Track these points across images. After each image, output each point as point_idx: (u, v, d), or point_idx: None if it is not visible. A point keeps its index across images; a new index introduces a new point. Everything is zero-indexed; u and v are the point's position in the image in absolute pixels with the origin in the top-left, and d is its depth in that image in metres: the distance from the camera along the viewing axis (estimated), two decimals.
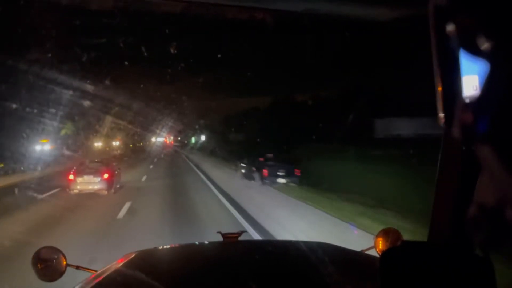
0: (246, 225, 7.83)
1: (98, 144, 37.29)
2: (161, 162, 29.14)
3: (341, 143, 17.89)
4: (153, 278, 1.35)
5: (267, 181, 14.39)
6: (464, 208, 0.67)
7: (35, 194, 12.22)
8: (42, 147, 24.90)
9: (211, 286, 1.36)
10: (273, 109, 32.57)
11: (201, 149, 40.92)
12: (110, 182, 12.70)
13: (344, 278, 1.33)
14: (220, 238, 1.94)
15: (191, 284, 1.38)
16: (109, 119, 28.92)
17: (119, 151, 42.05)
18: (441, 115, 0.58)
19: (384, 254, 0.82)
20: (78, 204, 10.83)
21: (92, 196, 12.15)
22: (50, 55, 14.84)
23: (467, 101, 0.52)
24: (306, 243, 1.76)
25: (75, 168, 13.10)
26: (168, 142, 58.15)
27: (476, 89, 0.55)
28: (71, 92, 18.16)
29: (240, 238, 1.95)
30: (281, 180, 14.35)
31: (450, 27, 0.49)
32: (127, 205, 10.06)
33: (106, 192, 12.48)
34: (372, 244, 1.77)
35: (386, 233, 1.76)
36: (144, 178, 17.34)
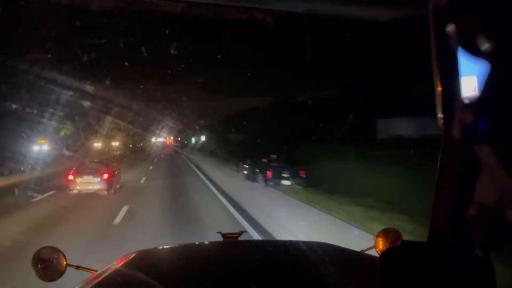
0: (253, 233, 7.39)
1: (97, 145, 37.24)
2: (161, 163, 29.06)
3: (341, 143, 17.84)
4: (153, 278, 1.36)
5: (271, 183, 14.01)
6: (464, 208, 0.67)
7: (29, 196, 11.88)
8: (40, 147, 24.73)
9: (211, 286, 1.36)
10: (273, 109, 32.55)
11: (201, 150, 40.91)
12: (110, 183, 12.68)
13: (344, 278, 1.33)
14: (220, 238, 1.94)
15: (191, 284, 1.38)
16: (109, 119, 28.93)
17: (118, 152, 42.05)
18: (441, 115, 0.58)
19: (384, 254, 0.82)
20: (74, 207, 10.46)
21: (89, 198, 11.84)
22: (50, 55, 14.87)
23: (467, 101, 0.52)
24: (306, 243, 1.76)
25: (74, 168, 13.07)
26: (168, 142, 58.16)
27: (475, 90, 0.55)
28: (71, 93, 18.19)
29: (240, 238, 1.95)
30: (286, 182, 13.98)
31: (450, 27, 0.49)
32: (124, 209, 9.70)
33: (106, 193, 12.45)
34: (372, 244, 1.77)
35: (386, 233, 1.76)
36: (143, 179, 17.02)
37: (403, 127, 18.06)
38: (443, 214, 1.02)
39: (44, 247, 1.75)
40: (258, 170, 15.20)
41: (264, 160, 15.58)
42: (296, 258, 1.62)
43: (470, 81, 0.56)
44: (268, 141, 22.94)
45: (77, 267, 1.73)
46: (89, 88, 18.35)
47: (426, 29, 0.57)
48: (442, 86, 0.57)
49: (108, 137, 39.60)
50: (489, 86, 0.46)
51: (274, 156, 15.80)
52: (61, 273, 1.70)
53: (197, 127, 41.06)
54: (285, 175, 14.09)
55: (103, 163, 14.40)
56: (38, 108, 18.87)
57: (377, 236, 1.77)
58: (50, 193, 12.87)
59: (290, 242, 2.27)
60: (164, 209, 10.19)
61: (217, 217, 9.02)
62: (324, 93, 30.06)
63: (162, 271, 1.57)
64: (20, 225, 8.11)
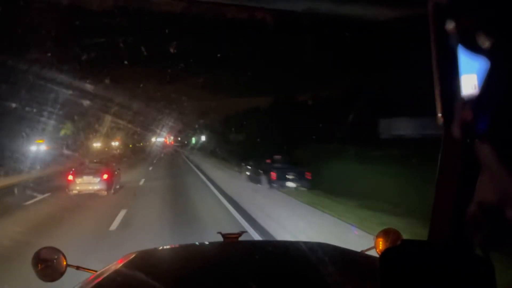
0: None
1: (96, 145, 37.21)
2: (161, 163, 28.97)
3: (341, 143, 17.81)
4: (153, 278, 1.35)
5: (275, 185, 13.47)
6: (464, 208, 0.67)
7: (22, 199, 11.32)
8: (38, 147, 24.48)
9: (211, 286, 1.36)
10: (273, 109, 32.58)
11: (201, 149, 40.88)
12: (109, 183, 12.65)
13: (344, 278, 1.33)
14: (220, 239, 1.94)
15: (191, 284, 1.38)
16: (108, 119, 28.91)
17: (118, 151, 42.06)
18: (440, 114, 0.58)
19: (384, 253, 0.82)
20: (68, 211, 9.92)
21: (85, 201, 11.41)
22: (50, 55, 14.87)
23: (467, 100, 0.52)
24: (306, 243, 1.76)
25: (73, 169, 13.04)
26: (168, 142, 58.20)
27: (476, 88, 0.55)
28: (70, 92, 18.19)
29: (240, 239, 1.94)
30: (291, 184, 13.44)
31: (450, 26, 0.49)
32: (122, 213, 9.20)
33: (105, 193, 12.43)
34: (372, 245, 1.77)
35: (386, 233, 1.76)
36: (142, 181, 16.47)
37: (404, 127, 18.02)
38: (443, 214, 1.02)
39: (44, 248, 1.75)
40: (261, 171, 14.65)
41: (268, 160, 15.06)
42: (296, 258, 1.62)
43: (470, 79, 0.56)
44: (268, 141, 22.93)
45: (77, 268, 1.73)
46: (89, 87, 18.34)
47: (426, 28, 0.57)
48: (441, 85, 0.57)
49: (108, 137, 39.64)
50: (489, 84, 0.46)
51: (278, 157, 15.30)
52: (61, 274, 1.70)
53: (197, 127, 41.11)
54: (290, 177, 13.56)
55: (103, 163, 14.37)
56: (37, 107, 18.84)
57: (377, 236, 1.77)
58: (45, 195, 12.31)
59: (290, 242, 2.27)
60: (163, 213, 9.74)
61: (223, 224, 8.34)
62: (324, 93, 30.07)
63: (162, 271, 1.57)
64: (3, 234, 7.29)
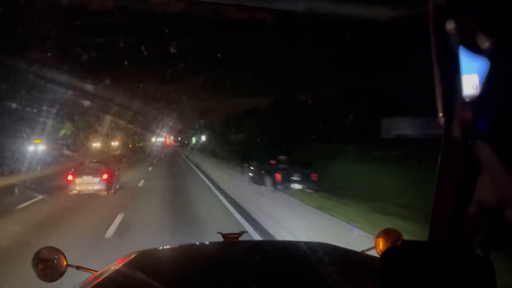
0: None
1: (96, 145, 37.15)
2: (161, 163, 28.86)
3: (342, 143, 17.79)
4: (153, 278, 1.35)
5: (279, 187, 12.91)
6: (464, 208, 0.67)
7: (14, 202, 10.88)
8: (36, 147, 24.29)
9: (211, 286, 1.36)
10: (273, 109, 32.64)
11: (201, 149, 40.87)
12: (109, 183, 12.61)
13: (344, 278, 1.33)
14: (220, 239, 1.94)
15: (191, 284, 1.38)
16: (108, 119, 28.92)
17: (118, 151, 42.05)
18: (441, 114, 0.58)
19: (384, 254, 0.82)
20: (62, 216, 9.39)
21: (81, 204, 10.99)
22: (50, 55, 14.88)
23: (467, 100, 0.52)
24: (306, 243, 1.76)
25: (73, 169, 13.01)
26: (168, 142, 58.27)
27: (476, 88, 0.55)
28: (70, 92, 18.20)
29: (240, 239, 1.94)
30: (296, 186, 12.85)
31: (450, 26, 0.49)
32: (118, 218, 8.68)
33: (105, 193, 12.40)
34: (373, 245, 1.77)
35: (386, 233, 1.76)
36: (141, 182, 16.01)
37: (406, 127, 17.98)
38: (443, 214, 1.01)
39: (44, 248, 1.75)
40: (265, 172, 14.09)
41: (272, 161, 14.56)
42: (296, 258, 1.62)
43: (471, 79, 0.56)
44: (268, 141, 22.92)
45: (78, 268, 1.73)
46: (89, 87, 18.35)
47: (426, 28, 0.57)
48: (442, 85, 0.57)
49: (108, 137, 39.66)
50: (490, 85, 0.46)
51: (283, 157, 14.77)
52: (61, 274, 1.69)
53: (197, 127, 41.17)
54: (295, 178, 12.95)
55: (102, 163, 14.35)
56: (37, 107, 18.84)
57: (377, 237, 1.77)
58: (39, 198, 11.78)
59: (290, 242, 2.26)
60: (163, 218, 9.23)
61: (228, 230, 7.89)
62: (324, 93, 30.13)
63: (162, 271, 1.57)
64: None
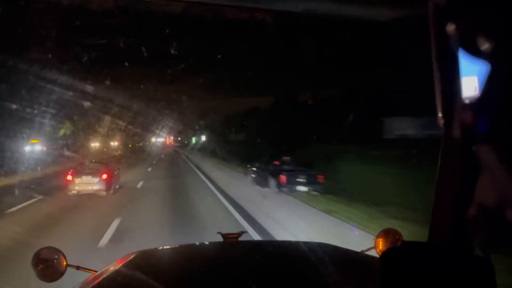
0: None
1: (95, 145, 37.08)
2: (161, 163, 28.80)
3: (342, 143, 17.78)
4: (153, 278, 1.35)
5: (284, 189, 12.53)
6: (464, 208, 0.67)
7: (7, 205, 10.49)
8: (32, 147, 24.11)
9: (211, 286, 1.36)
10: (274, 109, 32.64)
11: (201, 150, 40.87)
12: (109, 183, 12.58)
13: (344, 278, 1.33)
14: (220, 239, 1.94)
15: (191, 284, 1.38)
16: (108, 119, 28.93)
17: (118, 152, 42.01)
18: (441, 115, 0.58)
19: (384, 254, 0.82)
20: (56, 220, 8.98)
21: (76, 206, 10.70)
22: (50, 55, 14.88)
23: (467, 101, 0.52)
24: (306, 243, 1.76)
25: (72, 169, 12.97)
26: (168, 142, 58.31)
27: (476, 90, 0.55)
28: (70, 92, 18.19)
29: (240, 239, 1.94)
30: (302, 188, 12.46)
31: (450, 27, 0.49)
32: (114, 224, 8.19)
33: (105, 193, 12.36)
34: (373, 245, 1.77)
35: (386, 233, 1.76)
36: (140, 184, 15.56)
37: (407, 127, 17.95)
38: (443, 214, 1.01)
39: (44, 248, 1.74)
40: (269, 173, 13.66)
41: (276, 162, 14.21)
42: (296, 258, 1.62)
43: (471, 81, 0.56)
44: (268, 141, 22.92)
45: (77, 268, 1.73)
46: (89, 88, 18.34)
47: (426, 29, 0.57)
48: (442, 86, 0.57)
49: (108, 137, 39.62)
50: (490, 86, 0.46)
51: (286, 158, 14.43)
52: (61, 274, 1.69)
53: (197, 127, 41.19)
54: (301, 180, 12.57)
55: (102, 163, 14.32)
56: (37, 107, 18.83)
57: (377, 237, 1.77)
58: (34, 200, 11.47)
59: (290, 242, 2.26)
60: (162, 223, 8.76)
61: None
62: (324, 93, 30.13)
63: (162, 271, 1.57)
64: None
